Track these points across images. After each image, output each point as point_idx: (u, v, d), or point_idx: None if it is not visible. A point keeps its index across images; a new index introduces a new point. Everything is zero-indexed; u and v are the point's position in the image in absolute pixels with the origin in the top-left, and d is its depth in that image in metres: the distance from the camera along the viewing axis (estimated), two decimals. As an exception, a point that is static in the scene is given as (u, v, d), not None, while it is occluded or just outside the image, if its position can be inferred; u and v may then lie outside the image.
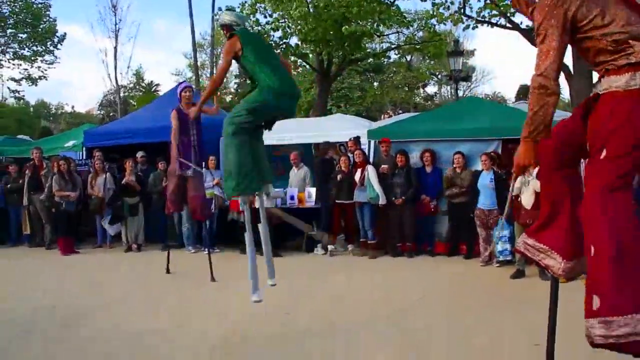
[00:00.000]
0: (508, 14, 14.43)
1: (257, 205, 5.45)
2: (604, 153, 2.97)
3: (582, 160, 3.51)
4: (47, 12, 28.03)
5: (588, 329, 2.88)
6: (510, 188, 4.25)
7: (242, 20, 5.55)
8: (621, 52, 2.94)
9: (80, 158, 13.18)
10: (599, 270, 2.90)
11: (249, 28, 5.15)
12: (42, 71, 29.18)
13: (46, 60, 28.89)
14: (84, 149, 13.31)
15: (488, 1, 14.88)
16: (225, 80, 44.41)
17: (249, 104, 5.07)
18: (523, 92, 36.76)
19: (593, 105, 3.12)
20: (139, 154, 12.06)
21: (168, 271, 8.55)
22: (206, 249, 8.84)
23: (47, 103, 52.83)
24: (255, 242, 5.31)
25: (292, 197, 10.71)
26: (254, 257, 5.16)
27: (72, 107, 54.93)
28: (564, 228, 3.34)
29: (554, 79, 2.98)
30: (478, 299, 6.99)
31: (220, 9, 17.68)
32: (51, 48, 28.55)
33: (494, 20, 15.34)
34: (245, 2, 16.47)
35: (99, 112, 46.61)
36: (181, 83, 8.49)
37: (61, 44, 28.73)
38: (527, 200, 8.00)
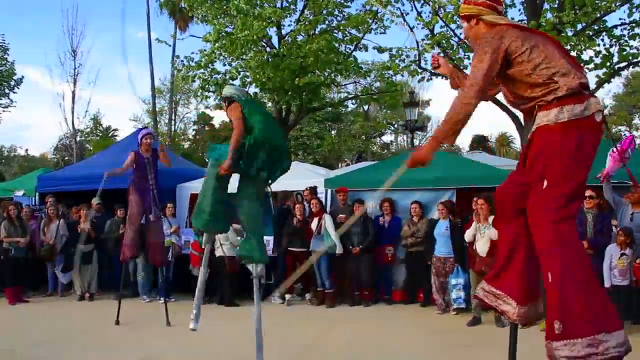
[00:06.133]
0: (461, 67, 14.95)
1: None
2: (544, 183, 3.21)
3: None
4: (6, 56, 27.56)
5: (552, 350, 3.09)
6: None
7: (242, 93, 5.81)
8: (549, 87, 3.24)
9: (33, 204, 12.85)
10: (558, 295, 3.09)
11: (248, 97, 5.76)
12: (-4, 114, 28.45)
13: (1, 104, 28.09)
14: (37, 194, 13.01)
15: (442, 54, 15.39)
16: (183, 126, 44.48)
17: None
18: (476, 142, 37.85)
19: (530, 143, 3.41)
20: (95, 201, 11.84)
21: (117, 322, 8.25)
22: (161, 298, 8.70)
23: (-2, 145, 51.51)
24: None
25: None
26: (203, 290, 5.46)
27: (26, 150, 53.77)
28: (518, 273, 3.45)
29: (475, 97, 3.33)
30: (435, 345, 7.03)
31: (177, 56, 17.67)
32: (7, 91, 27.90)
33: (447, 73, 15.82)
34: (204, 49, 16.55)
35: (53, 156, 45.68)
36: (142, 129, 8.50)
37: (18, 87, 27.88)
38: (482, 248, 8.16)
